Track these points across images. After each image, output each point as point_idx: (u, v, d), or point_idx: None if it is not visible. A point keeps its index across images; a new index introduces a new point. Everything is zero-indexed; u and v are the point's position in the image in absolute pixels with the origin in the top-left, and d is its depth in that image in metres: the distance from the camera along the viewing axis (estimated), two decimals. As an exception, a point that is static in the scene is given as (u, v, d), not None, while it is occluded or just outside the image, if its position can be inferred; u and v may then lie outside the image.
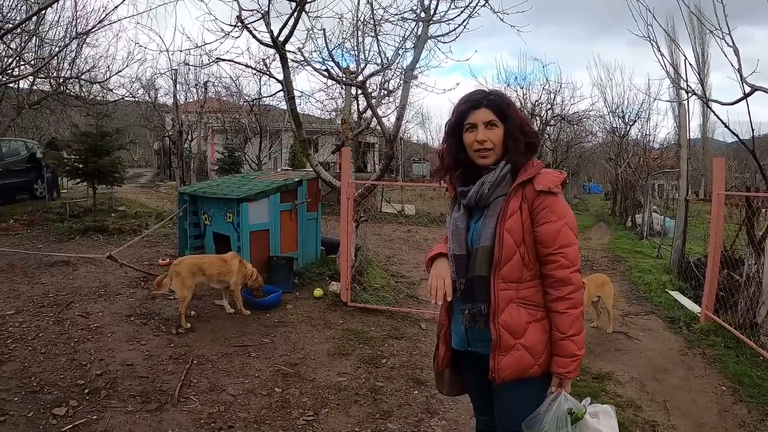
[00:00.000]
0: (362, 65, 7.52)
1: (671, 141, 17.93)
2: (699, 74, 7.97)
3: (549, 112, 18.50)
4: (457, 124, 2.07)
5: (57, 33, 11.51)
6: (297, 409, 3.65)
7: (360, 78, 7.33)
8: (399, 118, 6.57)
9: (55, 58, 11.21)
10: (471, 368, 2.27)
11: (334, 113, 14.61)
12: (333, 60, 7.46)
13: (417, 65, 6.41)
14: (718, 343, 5.14)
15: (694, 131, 23.64)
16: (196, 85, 18.50)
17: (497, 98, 2.04)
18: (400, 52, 7.12)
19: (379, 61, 7.17)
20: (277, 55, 6.14)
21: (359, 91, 7.94)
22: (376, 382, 4.13)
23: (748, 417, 3.78)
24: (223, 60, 6.96)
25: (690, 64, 6.66)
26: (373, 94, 7.88)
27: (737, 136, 5.85)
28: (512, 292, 1.98)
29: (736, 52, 5.12)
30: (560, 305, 1.96)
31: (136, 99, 18.14)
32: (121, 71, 14.04)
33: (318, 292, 6.20)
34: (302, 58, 7.01)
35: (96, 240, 9.03)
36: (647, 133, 18.22)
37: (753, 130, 5.58)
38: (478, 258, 2.00)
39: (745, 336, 4.95)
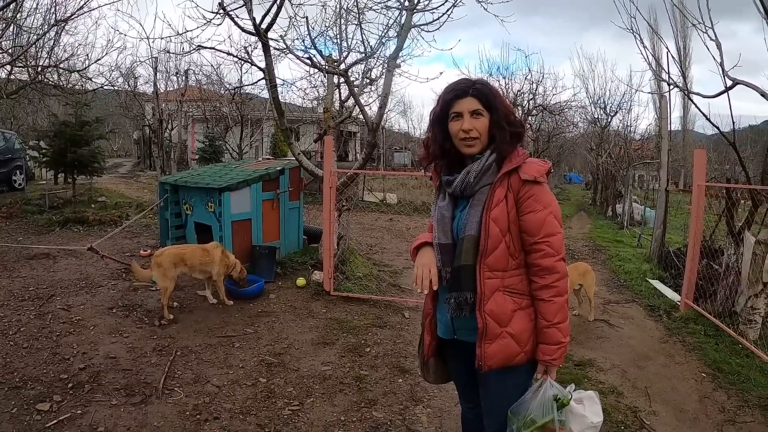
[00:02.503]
0: (345, 53, 7.48)
1: (652, 132, 18.14)
2: (681, 66, 8.09)
3: (531, 102, 18.62)
4: (443, 113, 2.06)
5: (35, 20, 11.26)
6: (282, 399, 3.65)
7: (342, 66, 7.29)
8: (382, 107, 6.54)
9: (34, 46, 10.96)
10: (457, 357, 2.28)
11: (316, 102, 14.52)
12: (315, 48, 7.41)
13: (400, 54, 6.39)
14: (697, 331, 5.24)
15: (675, 123, 23.92)
16: (177, 73, 18.27)
17: (483, 87, 2.03)
18: (384, 40, 7.10)
19: (362, 50, 7.14)
20: (259, 43, 6.06)
21: (341, 80, 7.90)
22: (360, 370, 4.15)
23: (728, 403, 3.85)
24: (205, 47, 6.90)
25: (672, 57, 6.76)
26: (355, 83, 7.84)
27: (718, 128, 5.95)
28: (498, 280, 1.98)
29: (719, 46, 5.20)
30: (545, 293, 1.97)
31: (116, 88, 17.83)
32: (100, 59, 13.84)
33: (301, 281, 6.19)
34: (284, 46, 6.96)
35: (76, 232, 8.90)
36: (628, 124, 18.54)
37: (733, 122, 5.68)
38: (464, 247, 1.99)
39: (725, 324, 5.04)
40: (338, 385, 3.89)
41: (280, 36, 7.03)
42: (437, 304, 2.21)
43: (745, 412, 3.72)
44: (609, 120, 18.74)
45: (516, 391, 2.06)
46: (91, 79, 13.98)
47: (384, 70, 6.96)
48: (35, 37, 10.38)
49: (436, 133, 2.10)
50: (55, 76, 13.33)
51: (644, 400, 3.91)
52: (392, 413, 3.56)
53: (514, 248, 1.99)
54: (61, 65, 12.49)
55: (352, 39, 7.54)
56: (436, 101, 2.13)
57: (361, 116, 7.79)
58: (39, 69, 11.95)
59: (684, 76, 8.16)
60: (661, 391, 4.06)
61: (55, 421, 3.15)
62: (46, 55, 11.95)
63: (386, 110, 8.30)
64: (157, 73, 16.99)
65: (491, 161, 2.01)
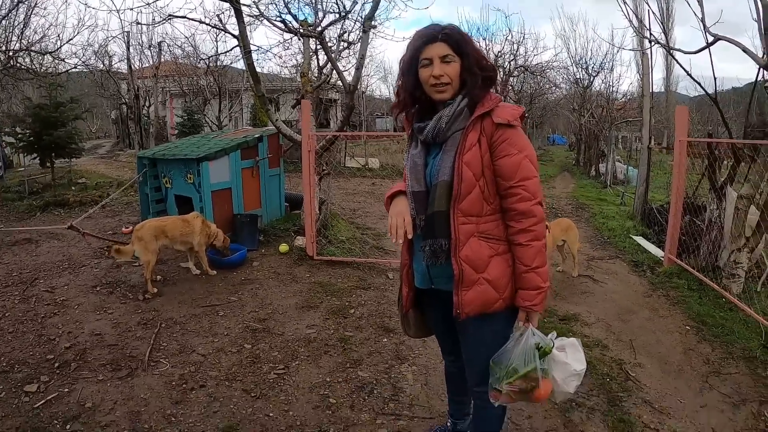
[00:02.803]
0: (321, 16, 7.31)
1: (634, 92, 18.12)
2: (663, 25, 8.01)
3: (512, 63, 18.42)
4: (413, 60, 2.01)
5: (2, 4, 10.92)
6: (267, 364, 3.65)
7: (318, 29, 7.13)
8: (359, 69, 6.43)
9: (4, 31, 10.59)
10: (435, 306, 2.28)
11: (294, 70, 14.26)
12: (290, 12, 7.24)
13: (376, 15, 6.26)
14: (681, 285, 5.28)
15: (658, 85, 23.89)
16: (150, 46, 17.80)
17: (453, 32, 1.97)
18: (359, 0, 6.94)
19: (337, 10, 6.98)
20: (232, 10, 5.90)
21: (318, 45, 7.74)
22: (345, 332, 4.15)
23: (712, 355, 3.90)
24: (176, 17, 6.69)
25: (654, 14, 6.68)
26: (332, 47, 7.69)
27: (700, 84, 5.92)
28: (472, 226, 1.96)
29: (700, 2, 5.16)
30: (523, 237, 1.95)
31: (89, 68, 17.42)
32: (72, 39, 13.48)
33: (284, 247, 6.16)
34: (258, 12, 6.79)
35: (57, 215, 8.75)
36: (610, 84, 18.41)
37: (715, 79, 5.68)
38: (437, 193, 1.96)
39: (708, 279, 5.09)
40: (323, 348, 3.90)
41: (253, 1, 6.85)
42: (413, 254, 2.18)
43: (729, 363, 3.76)
44: (591, 80, 18.66)
45: (495, 339, 2.06)
46: (64, 60, 13.65)
47: (360, 33, 6.83)
48: (2, 13, 9.99)
49: (407, 81, 2.05)
50: (27, 60, 12.99)
51: (629, 352, 3.95)
52: (378, 372, 3.57)
53: (489, 193, 1.97)
54: (33, 48, 12.15)
55: (327, 1, 7.37)
56: (405, 48, 2.07)
57: (339, 82, 7.65)
58: (10, 54, 11.61)
59: (666, 34, 8.10)
60: (645, 344, 4.10)
61: (42, 402, 3.12)
62: (16, 39, 11.62)
63: (364, 73, 8.17)
64: (130, 48, 16.57)
65: (463, 106, 1.97)
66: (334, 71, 7.12)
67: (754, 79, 5.31)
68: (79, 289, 4.99)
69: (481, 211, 1.96)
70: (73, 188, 10.74)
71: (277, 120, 6.83)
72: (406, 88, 2.06)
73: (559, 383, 2.04)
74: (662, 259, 6.07)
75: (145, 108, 18.61)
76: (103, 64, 18.24)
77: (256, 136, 7.02)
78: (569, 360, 2.06)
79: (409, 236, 2.01)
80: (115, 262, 5.68)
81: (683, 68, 6.11)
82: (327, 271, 5.64)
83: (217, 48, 15.31)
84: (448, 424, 2.80)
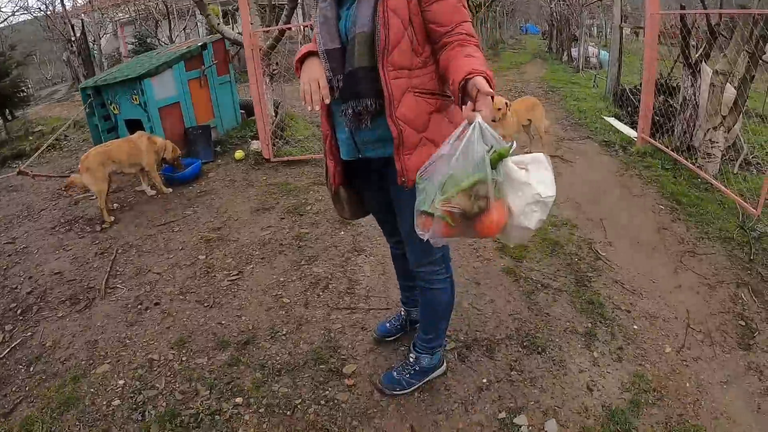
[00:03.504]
0: None
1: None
2: None
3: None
4: None
5: None
6: (221, 272, 3.56)
7: None
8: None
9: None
10: (367, 181, 2.08)
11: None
12: None
13: None
14: (654, 164, 5.05)
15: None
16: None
17: None
18: None
19: None
20: None
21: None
22: (300, 229, 4.03)
23: (687, 235, 3.72)
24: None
25: None
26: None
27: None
28: (404, 80, 1.75)
29: None
30: (472, 50, 1.67)
31: (29, 12, 16.37)
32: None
33: (239, 154, 5.94)
34: None
35: (15, 167, 8.46)
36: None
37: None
38: (357, 47, 1.73)
39: (683, 158, 4.84)
40: (278, 248, 3.79)
41: None
42: (335, 123, 1.96)
43: (705, 243, 3.60)
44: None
45: None
46: (1, 9, 12.74)
47: None
48: None
49: None
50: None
51: (600, 232, 3.79)
52: (333, 266, 3.47)
53: (418, 43, 1.75)
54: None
55: None
56: None
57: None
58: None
59: None
60: (617, 224, 3.93)
61: (8, 350, 3.05)
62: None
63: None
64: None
65: None
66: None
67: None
68: (39, 234, 4.85)
69: (411, 64, 1.75)
70: (30, 138, 10.35)
71: (219, 24, 6.42)
72: None
73: (515, 212, 1.56)
74: (635, 139, 5.78)
75: (93, 43, 17.64)
76: (45, 6, 17.11)
77: (200, 44, 6.60)
78: (531, 180, 1.56)
79: (326, 101, 1.77)
80: (73, 200, 5.51)
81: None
82: (284, 172, 5.45)
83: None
84: (402, 313, 2.71)
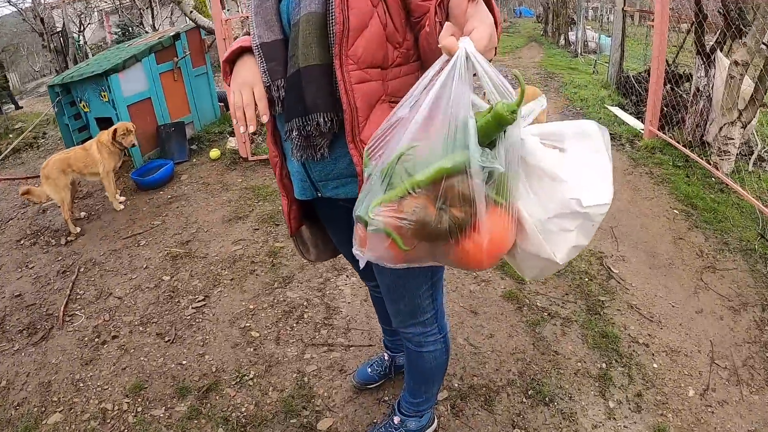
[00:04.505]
0: None
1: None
2: None
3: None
4: None
5: None
6: (186, 297, 3.18)
7: None
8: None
9: None
10: (332, 216, 1.57)
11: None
12: None
13: None
14: (665, 161, 4.61)
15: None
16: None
17: None
18: None
19: None
20: None
21: None
22: (275, 243, 3.63)
23: (705, 245, 3.33)
24: None
25: None
26: None
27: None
28: (376, 84, 1.21)
29: None
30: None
31: (14, 5, 15.79)
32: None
33: (214, 153, 5.50)
34: None
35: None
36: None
37: None
38: (302, 36, 1.18)
39: (695, 155, 4.42)
40: (249, 267, 3.40)
41: None
42: (285, 146, 1.43)
43: (725, 257, 3.20)
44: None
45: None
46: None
47: None
48: None
49: None
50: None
51: (610, 242, 3.40)
52: (309, 290, 3.09)
53: (395, 28, 1.21)
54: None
55: None
56: None
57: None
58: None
59: None
60: (628, 232, 3.53)
61: None
62: None
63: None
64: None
65: None
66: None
67: None
68: (4, 247, 4.49)
69: (386, 59, 1.21)
70: (10, 136, 9.94)
71: (192, 12, 6.00)
72: None
73: (529, 230, 0.95)
74: (642, 131, 5.33)
75: (80, 34, 17.05)
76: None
77: (171, 35, 6.13)
78: (566, 172, 0.94)
79: (263, 119, 1.25)
80: (41, 208, 5.13)
81: None
82: (262, 173, 5.03)
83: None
84: (385, 356, 2.30)
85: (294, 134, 1.25)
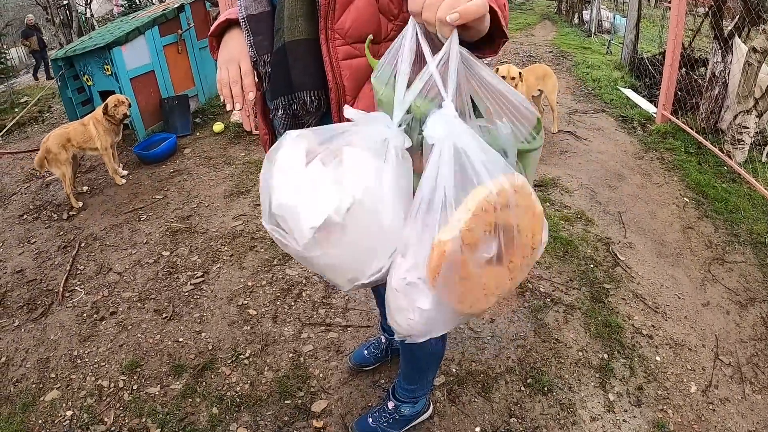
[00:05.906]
0: None
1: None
2: None
3: None
4: None
5: None
6: (185, 273, 3.16)
7: None
8: None
9: None
10: None
11: None
12: None
13: None
14: (677, 147, 4.49)
15: None
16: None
17: None
18: None
19: None
20: None
21: None
22: (276, 219, 3.57)
23: (714, 236, 3.24)
24: None
25: None
26: None
27: None
28: (365, 60, 1.13)
29: None
30: None
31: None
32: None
33: (218, 126, 5.43)
34: None
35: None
36: None
37: None
38: (287, 8, 1.11)
39: (708, 142, 4.29)
40: (249, 243, 3.36)
41: None
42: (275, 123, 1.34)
43: (735, 249, 3.11)
44: None
45: None
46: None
47: None
48: None
49: None
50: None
51: (618, 228, 3.31)
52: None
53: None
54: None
55: None
56: None
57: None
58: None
59: None
60: (637, 219, 3.44)
61: None
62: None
63: None
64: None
65: None
66: None
67: None
68: (6, 223, 4.48)
69: (380, 33, 1.13)
70: (15, 110, 9.90)
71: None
72: None
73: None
74: (654, 115, 5.18)
75: (86, 6, 16.83)
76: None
77: (175, 6, 6.02)
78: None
79: (250, 96, 1.16)
80: (45, 181, 5.11)
81: None
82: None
83: None
84: (382, 339, 2.27)
85: (279, 113, 1.20)
